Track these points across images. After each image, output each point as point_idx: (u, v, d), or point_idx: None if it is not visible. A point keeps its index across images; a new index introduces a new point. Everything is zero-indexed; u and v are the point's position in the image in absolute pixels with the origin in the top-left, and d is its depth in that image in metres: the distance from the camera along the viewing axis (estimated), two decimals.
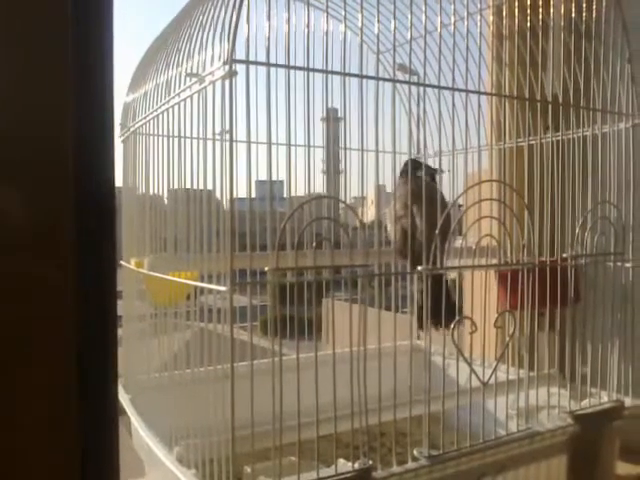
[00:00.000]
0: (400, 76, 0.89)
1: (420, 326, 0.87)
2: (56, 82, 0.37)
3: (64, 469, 0.38)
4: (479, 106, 0.78)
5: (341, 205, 0.87)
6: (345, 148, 1.02)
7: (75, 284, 0.37)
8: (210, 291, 0.68)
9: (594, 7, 0.87)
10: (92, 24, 0.38)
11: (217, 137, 0.65)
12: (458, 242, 0.79)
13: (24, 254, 0.36)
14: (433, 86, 0.76)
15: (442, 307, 0.73)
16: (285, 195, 0.98)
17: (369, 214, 1.42)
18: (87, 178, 0.38)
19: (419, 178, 0.88)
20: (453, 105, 0.76)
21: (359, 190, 0.77)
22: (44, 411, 0.36)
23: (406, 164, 0.92)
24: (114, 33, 0.39)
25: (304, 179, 0.75)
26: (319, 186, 1.21)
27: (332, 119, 1.13)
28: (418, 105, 0.78)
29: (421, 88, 0.79)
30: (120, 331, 1.02)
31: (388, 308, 1.14)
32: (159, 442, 0.75)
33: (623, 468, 0.95)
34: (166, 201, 0.87)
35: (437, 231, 0.72)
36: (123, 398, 0.91)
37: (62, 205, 0.37)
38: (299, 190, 0.80)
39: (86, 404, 0.37)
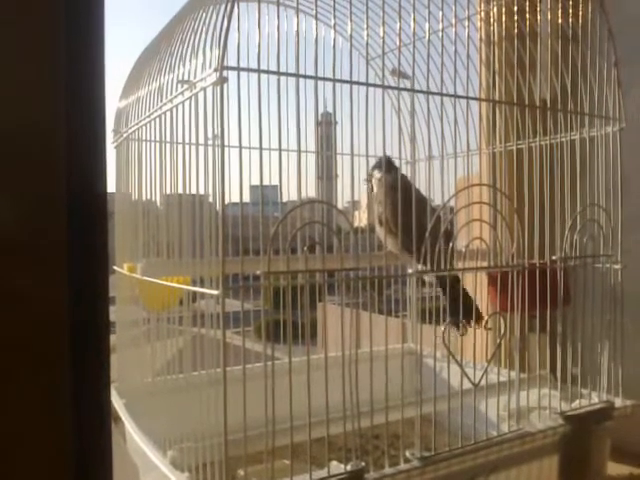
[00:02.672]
0: (392, 81, 0.90)
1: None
2: (47, 87, 0.37)
3: (57, 473, 0.38)
4: (468, 110, 0.79)
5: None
6: (336, 153, 1.02)
7: (67, 288, 0.37)
8: (203, 296, 0.69)
9: (580, 13, 0.88)
10: (83, 28, 0.38)
11: (209, 142, 0.65)
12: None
13: (15, 258, 0.36)
14: (423, 92, 0.77)
15: (459, 308, 0.75)
16: (280, 200, 0.99)
17: (362, 218, 1.43)
18: (79, 183, 0.38)
19: (395, 176, 0.89)
20: (442, 105, 0.76)
21: (351, 195, 0.78)
22: (36, 415, 0.37)
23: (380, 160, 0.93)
24: (108, 39, 0.39)
25: (297, 184, 0.75)
26: (314, 191, 1.22)
27: (325, 123, 1.14)
28: (412, 113, 0.79)
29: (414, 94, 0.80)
30: (114, 337, 1.02)
31: (388, 312, 1.15)
32: (153, 446, 0.75)
33: (614, 468, 0.96)
34: (159, 206, 0.87)
35: (427, 234, 0.73)
36: (117, 403, 0.91)
37: (53, 210, 0.37)
38: (294, 195, 0.80)
39: (78, 408, 0.38)
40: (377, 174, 0.97)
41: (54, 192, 0.37)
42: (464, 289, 0.80)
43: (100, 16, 0.39)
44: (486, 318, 0.79)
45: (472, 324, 0.79)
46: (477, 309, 0.82)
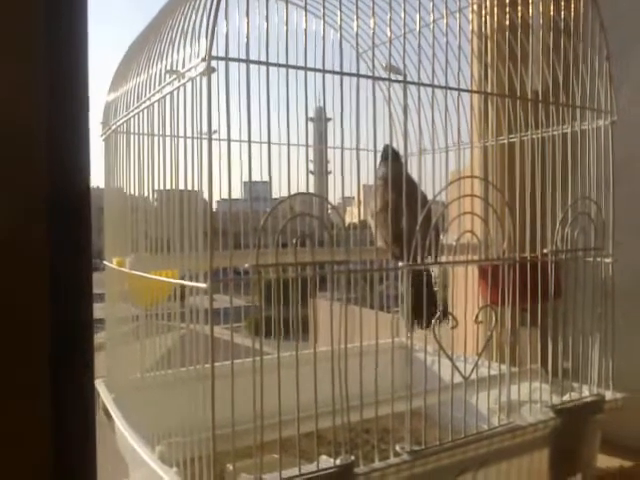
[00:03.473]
0: (383, 74, 0.89)
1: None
2: (28, 83, 0.36)
3: (40, 473, 0.37)
4: (459, 102, 0.78)
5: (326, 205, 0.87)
6: (327, 147, 1.02)
7: (49, 286, 0.37)
8: (192, 292, 0.68)
9: (572, 6, 0.88)
10: (65, 21, 0.37)
11: (197, 136, 0.64)
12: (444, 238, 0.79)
13: None
14: (414, 83, 0.76)
15: (422, 305, 0.74)
16: (275, 195, 0.98)
17: (354, 214, 1.42)
18: (61, 177, 0.38)
19: (395, 167, 0.88)
20: (433, 94, 0.76)
21: (342, 190, 0.77)
22: (16, 415, 0.36)
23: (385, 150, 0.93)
24: (96, 37, 0.39)
25: (287, 179, 0.74)
26: (310, 186, 1.21)
27: (317, 119, 1.13)
28: (405, 108, 0.78)
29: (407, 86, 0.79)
30: (103, 333, 1.01)
31: (379, 307, 1.14)
32: (142, 441, 0.75)
33: (604, 461, 0.96)
34: (147, 200, 0.86)
35: (418, 227, 0.72)
36: (107, 398, 0.91)
37: (36, 206, 0.37)
38: (286, 191, 0.80)
39: (62, 408, 0.37)
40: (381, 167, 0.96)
41: (37, 189, 0.36)
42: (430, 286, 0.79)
43: (83, 9, 0.38)
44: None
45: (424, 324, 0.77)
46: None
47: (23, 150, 0.36)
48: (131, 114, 0.83)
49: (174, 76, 0.67)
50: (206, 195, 0.63)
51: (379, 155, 0.95)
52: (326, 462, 0.64)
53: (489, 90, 0.96)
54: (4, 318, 0.36)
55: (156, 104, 0.74)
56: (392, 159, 0.91)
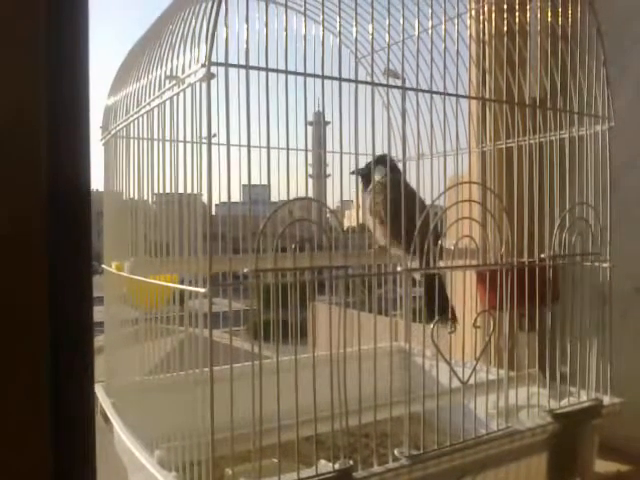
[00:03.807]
0: (382, 79, 0.89)
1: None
2: (29, 78, 0.36)
3: (39, 475, 0.37)
4: (457, 107, 0.79)
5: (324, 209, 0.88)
6: (326, 151, 1.02)
7: (49, 288, 0.37)
8: (190, 295, 0.68)
9: (569, 12, 0.88)
10: (66, 19, 0.38)
11: (196, 140, 0.65)
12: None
13: None
14: (413, 89, 0.77)
15: (434, 307, 0.75)
16: (274, 199, 0.98)
17: (353, 217, 1.42)
18: (61, 181, 0.38)
19: (393, 176, 0.89)
20: (431, 99, 0.76)
21: (341, 193, 0.77)
22: (16, 417, 0.36)
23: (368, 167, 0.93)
24: (97, 38, 0.39)
25: (286, 182, 0.75)
26: (305, 190, 1.21)
27: (317, 123, 1.13)
28: (403, 113, 0.78)
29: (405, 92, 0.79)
30: (102, 337, 1.01)
31: (378, 311, 1.14)
32: (141, 445, 0.75)
33: (602, 466, 0.96)
34: (147, 204, 0.87)
35: (416, 232, 0.73)
36: (105, 402, 0.91)
37: (36, 209, 0.37)
38: (285, 195, 0.80)
39: (62, 410, 0.37)
40: (377, 176, 0.97)
41: (36, 191, 0.37)
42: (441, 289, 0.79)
43: (84, 9, 0.38)
44: (476, 316, 0.78)
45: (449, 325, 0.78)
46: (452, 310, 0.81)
47: (23, 150, 0.36)
48: (131, 119, 0.84)
49: (174, 82, 0.68)
50: (205, 199, 0.63)
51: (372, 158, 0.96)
52: (325, 466, 0.64)
53: (487, 96, 0.97)
54: (4, 319, 0.36)
55: (156, 109, 0.74)
56: (390, 168, 0.91)
